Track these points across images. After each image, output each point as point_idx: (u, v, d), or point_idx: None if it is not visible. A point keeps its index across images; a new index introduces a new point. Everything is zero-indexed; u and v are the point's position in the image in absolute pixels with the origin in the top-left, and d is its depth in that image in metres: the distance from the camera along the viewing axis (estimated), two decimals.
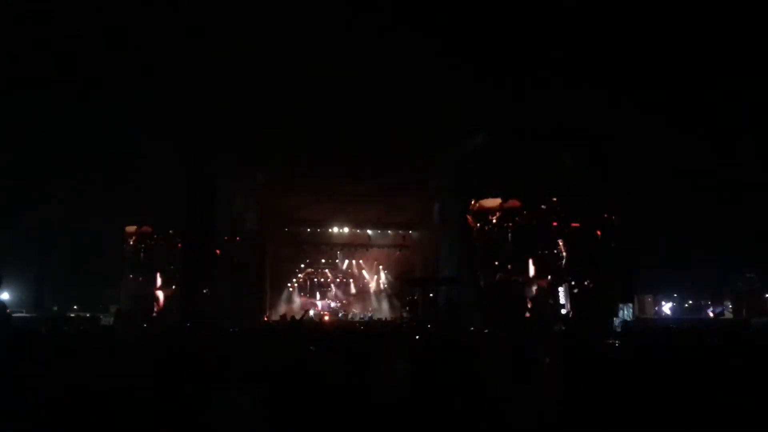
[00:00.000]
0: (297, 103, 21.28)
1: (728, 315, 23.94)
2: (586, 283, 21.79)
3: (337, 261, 29.56)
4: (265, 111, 21.44)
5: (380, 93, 20.30)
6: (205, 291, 21.56)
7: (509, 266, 22.37)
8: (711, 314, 25.14)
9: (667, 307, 26.37)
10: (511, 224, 22.68)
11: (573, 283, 21.70)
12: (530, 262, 22.28)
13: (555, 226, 22.37)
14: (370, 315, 27.51)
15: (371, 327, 18.25)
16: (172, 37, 18.93)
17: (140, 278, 25.43)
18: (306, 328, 15.12)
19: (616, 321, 19.93)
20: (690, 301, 26.87)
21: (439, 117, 21.66)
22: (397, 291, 28.60)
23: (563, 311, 20.61)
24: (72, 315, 20.43)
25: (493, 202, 23.06)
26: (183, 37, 18.93)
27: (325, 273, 29.52)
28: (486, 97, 20.94)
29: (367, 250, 29.25)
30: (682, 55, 19.25)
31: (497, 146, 22.68)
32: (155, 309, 24.17)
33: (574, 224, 22.34)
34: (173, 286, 24.56)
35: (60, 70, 19.62)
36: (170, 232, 25.74)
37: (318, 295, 29.08)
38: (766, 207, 21.79)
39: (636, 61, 19.80)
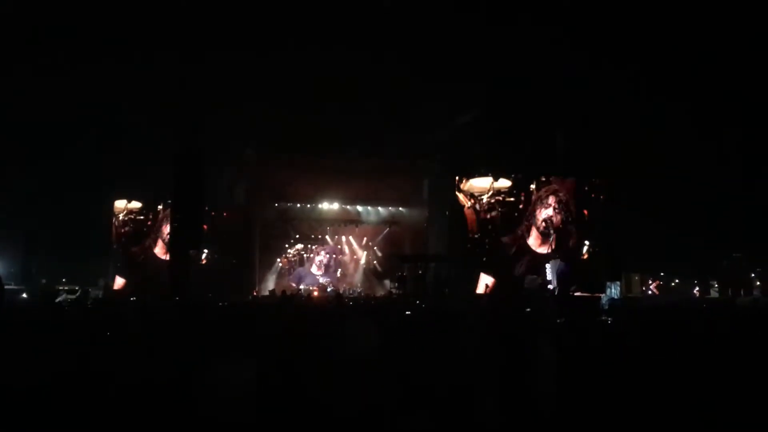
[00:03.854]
0: (286, 76, 21.09)
1: (714, 294, 24.22)
2: (573, 261, 21.92)
3: (326, 237, 29.51)
4: (254, 84, 21.25)
5: (372, 68, 20.14)
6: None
7: (500, 243, 22.56)
8: (696, 293, 25.44)
9: (654, 286, 26.64)
10: (501, 203, 22.76)
11: (560, 260, 21.78)
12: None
13: (545, 204, 22.45)
14: (359, 291, 27.55)
15: (360, 302, 18.33)
16: (157, 10, 18.63)
17: (129, 252, 25.37)
18: (295, 303, 15.16)
19: (604, 299, 20.05)
20: (677, 280, 27.17)
21: (430, 92, 21.53)
22: (386, 267, 28.63)
23: (550, 287, 20.70)
24: (61, 288, 20.32)
25: (484, 181, 23.08)
26: (169, 10, 18.63)
27: (314, 249, 29.46)
28: (479, 74, 20.82)
29: (356, 226, 29.22)
30: (684, 45, 19.20)
31: (489, 124, 22.65)
32: (144, 283, 24.10)
33: (563, 203, 22.44)
34: (162, 261, 24.54)
35: (46, 42, 19.27)
36: (159, 207, 25.70)
37: (307, 271, 29.05)
38: (753, 187, 21.95)
39: (631, 50, 19.73)
